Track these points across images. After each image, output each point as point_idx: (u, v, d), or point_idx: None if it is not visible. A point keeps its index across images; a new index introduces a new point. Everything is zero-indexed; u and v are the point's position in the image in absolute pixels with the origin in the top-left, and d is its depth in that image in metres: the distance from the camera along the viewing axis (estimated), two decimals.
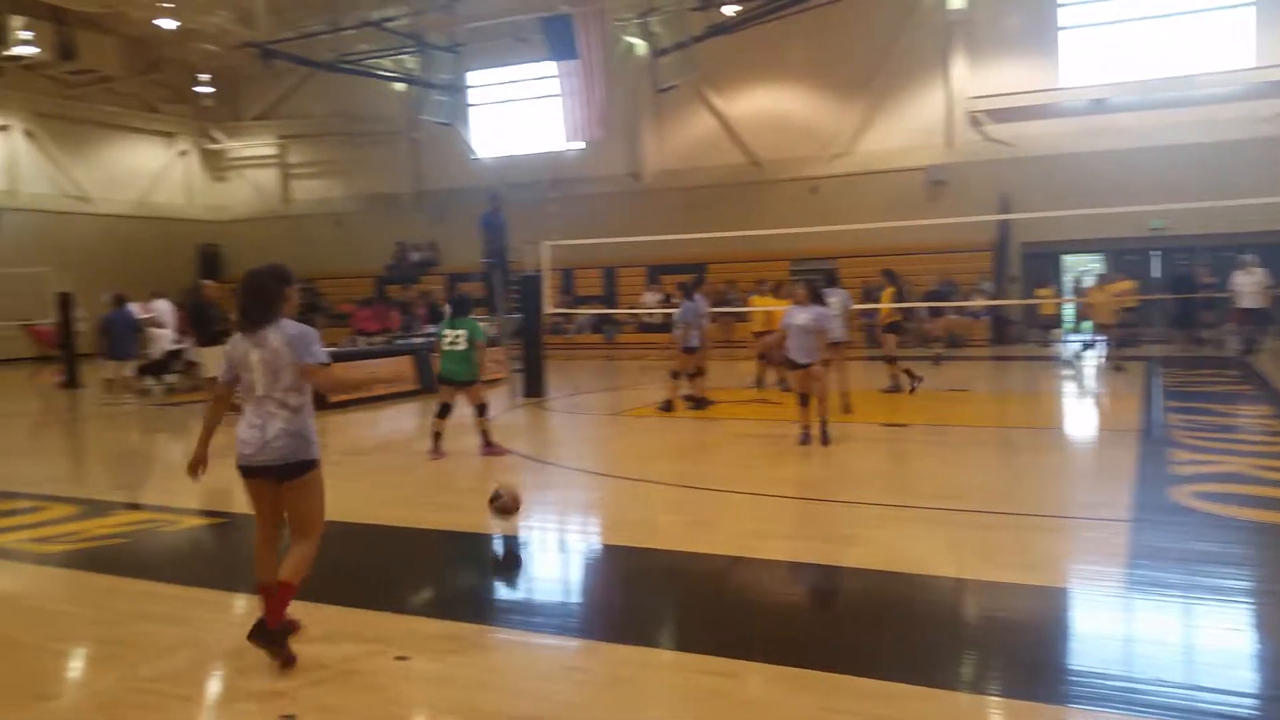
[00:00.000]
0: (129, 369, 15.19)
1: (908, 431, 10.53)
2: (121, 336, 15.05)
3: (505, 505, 6.28)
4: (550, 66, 23.53)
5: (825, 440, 9.27)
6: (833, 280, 13.31)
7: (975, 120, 23.66)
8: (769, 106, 25.65)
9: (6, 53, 23.47)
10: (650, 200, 26.22)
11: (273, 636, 4.08)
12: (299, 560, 4.21)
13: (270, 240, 31.30)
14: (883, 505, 6.96)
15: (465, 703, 3.74)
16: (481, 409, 9.49)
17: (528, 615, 4.97)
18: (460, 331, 9.32)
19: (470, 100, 28.46)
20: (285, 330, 4.19)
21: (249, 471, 4.19)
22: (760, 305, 14.68)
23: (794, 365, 9.42)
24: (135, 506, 7.76)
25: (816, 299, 9.67)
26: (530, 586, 5.68)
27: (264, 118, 32.06)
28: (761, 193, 25.18)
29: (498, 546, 6.50)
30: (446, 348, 9.37)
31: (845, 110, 24.89)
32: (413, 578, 5.79)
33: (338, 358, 14.70)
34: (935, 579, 5.27)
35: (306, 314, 21.77)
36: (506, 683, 4.00)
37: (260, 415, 4.14)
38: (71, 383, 18.05)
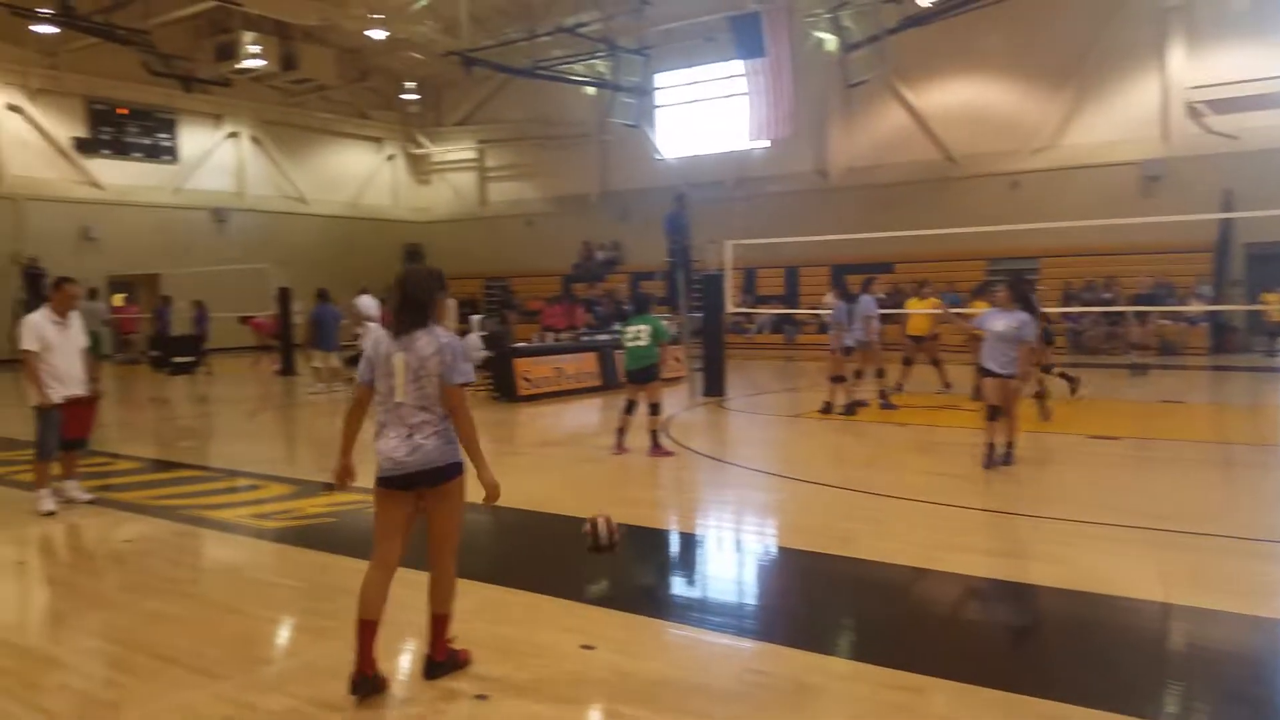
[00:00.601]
0: (334, 359, 16.28)
1: (1113, 445, 9.87)
2: (326, 328, 16.13)
3: (599, 542, 4.67)
4: (737, 65, 23.52)
5: (1009, 460, 8.50)
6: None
7: (1194, 111, 21.87)
8: (965, 99, 24.63)
9: (238, 66, 25.67)
10: (836, 198, 25.75)
11: (443, 668, 4.02)
12: (449, 586, 4.06)
13: (467, 240, 32.90)
14: (1081, 522, 6.55)
15: (647, 696, 3.79)
16: (654, 408, 9.53)
17: (706, 614, 4.99)
18: (641, 328, 9.43)
19: (657, 102, 28.83)
20: (438, 338, 3.93)
21: (391, 483, 3.96)
22: (912, 309, 14.21)
23: (987, 373, 8.59)
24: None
25: (1022, 303, 8.60)
26: (709, 585, 5.70)
27: (464, 123, 33.61)
28: (955, 189, 24.23)
29: (677, 544, 6.56)
30: (628, 344, 9.52)
31: (1048, 102, 23.58)
32: (596, 570, 5.92)
33: (529, 353, 15.28)
34: (1137, 602, 4.93)
35: (500, 310, 22.69)
36: (687, 679, 4.03)
37: (403, 423, 3.91)
38: (287, 371, 19.57)
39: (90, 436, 7.73)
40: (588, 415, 13.72)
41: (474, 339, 16.30)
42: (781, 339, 25.17)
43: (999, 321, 8.49)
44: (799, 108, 23.23)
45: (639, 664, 4.16)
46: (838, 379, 12.19)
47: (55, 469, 7.56)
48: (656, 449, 9.43)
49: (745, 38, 21.49)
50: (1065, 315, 21.00)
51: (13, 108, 24.62)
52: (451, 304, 18.07)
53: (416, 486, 3.94)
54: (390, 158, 34.28)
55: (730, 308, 15.44)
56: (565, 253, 30.57)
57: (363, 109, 32.93)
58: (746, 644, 4.49)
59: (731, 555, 6.35)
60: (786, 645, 4.42)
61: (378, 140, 33.85)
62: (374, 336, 4.04)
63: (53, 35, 23.58)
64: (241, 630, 4.78)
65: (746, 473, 8.96)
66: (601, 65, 25.26)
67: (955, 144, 24.73)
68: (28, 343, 7.14)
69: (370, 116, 33.21)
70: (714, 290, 14.56)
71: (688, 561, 6.29)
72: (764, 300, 25.83)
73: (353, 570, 5.69)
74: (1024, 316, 8.41)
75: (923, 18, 20.36)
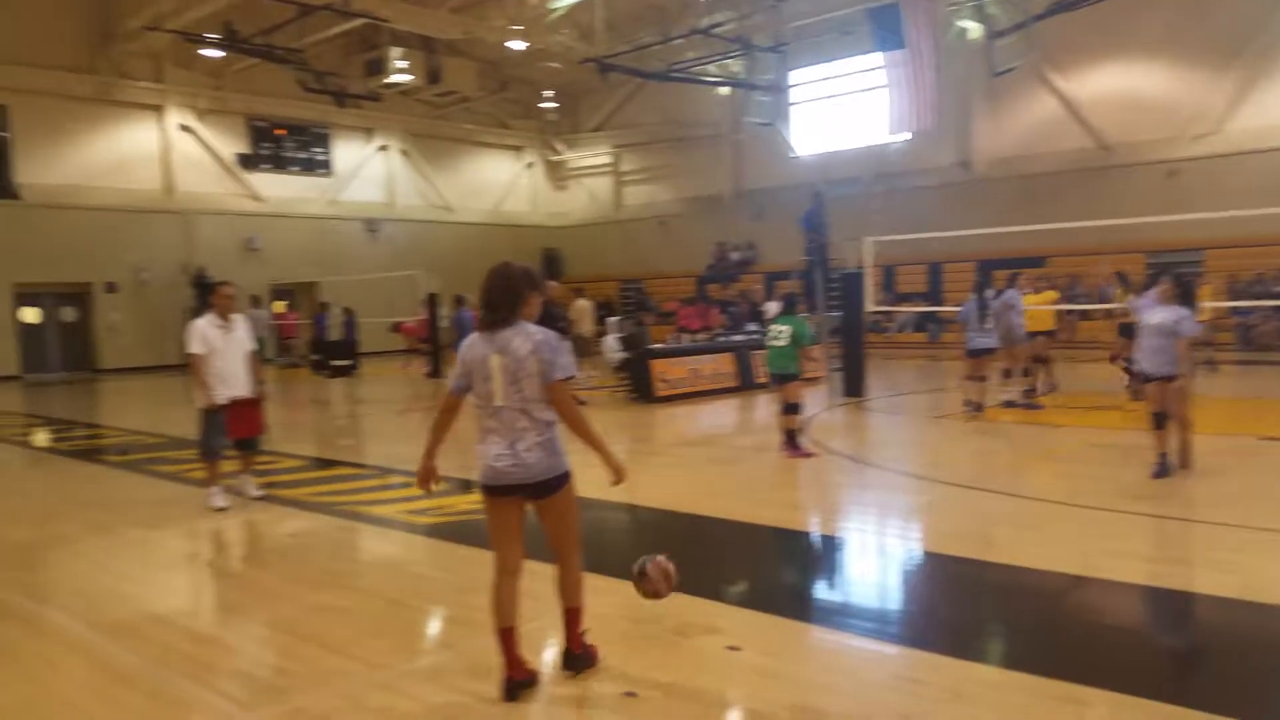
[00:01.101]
0: None
1: None
2: (467, 331, 16.61)
3: (653, 587, 4.11)
4: (875, 58, 23.00)
5: (1185, 465, 7.96)
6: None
7: None
8: (1119, 84, 23.35)
9: (386, 80, 26.82)
10: (981, 191, 24.84)
11: (580, 661, 4.05)
12: (575, 581, 4.02)
13: (603, 243, 33.38)
14: (1254, 529, 6.11)
15: (795, 700, 3.75)
16: (793, 408, 9.45)
17: (855, 618, 4.90)
18: (784, 328, 9.38)
19: (792, 99, 28.51)
20: (530, 335, 3.79)
21: (496, 491, 3.89)
22: (1031, 304, 13.55)
23: (1146, 378, 8.00)
24: None
25: (1183, 298, 7.93)
26: (854, 589, 5.59)
27: (600, 129, 34.10)
28: (1109, 179, 22.99)
29: (821, 546, 6.47)
30: (770, 343, 9.49)
31: (1211, 85, 22.09)
32: (741, 570, 5.91)
33: (665, 354, 15.38)
34: None
35: (635, 312, 22.91)
36: (836, 684, 3.96)
37: (505, 429, 3.79)
38: (435, 373, 20.31)
39: (260, 435, 8.13)
40: (724, 416, 13.69)
41: (610, 341, 16.54)
42: (924, 338, 24.48)
43: (1156, 314, 7.95)
44: (941, 98, 22.53)
45: (787, 667, 4.12)
46: (975, 378, 11.80)
47: (230, 466, 8.04)
48: (794, 449, 9.34)
49: (884, 29, 21.00)
50: (1233, 310, 19.67)
51: (184, 128, 26.42)
52: (587, 305, 18.41)
53: (519, 495, 3.90)
54: (529, 165, 35.10)
55: (869, 306, 15.12)
56: (699, 254, 30.61)
57: (503, 119, 33.84)
58: (896, 650, 4.38)
59: (876, 559, 6.22)
60: (938, 652, 4.29)
61: (517, 149, 34.72)
62: (467, 340, 3.93)
63: (218, 59, 25.27)
64: (399, 622, 4.98)
65: (888, 474, 8.75)
66: (735, 64, 25.16)
67: (1108, 131, 23.48)
68: (193, 346, 7.59)
69: (510, 126, 34.10)
70: (853, 288, 14.29)
71: (831, 565, 6.19)
72: (905, 298, 25.19)
73: None
74: (1183, 311, 7.81)
75: (1073, 2, 19.44)
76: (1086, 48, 23.29)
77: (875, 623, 4.84)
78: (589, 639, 4.14)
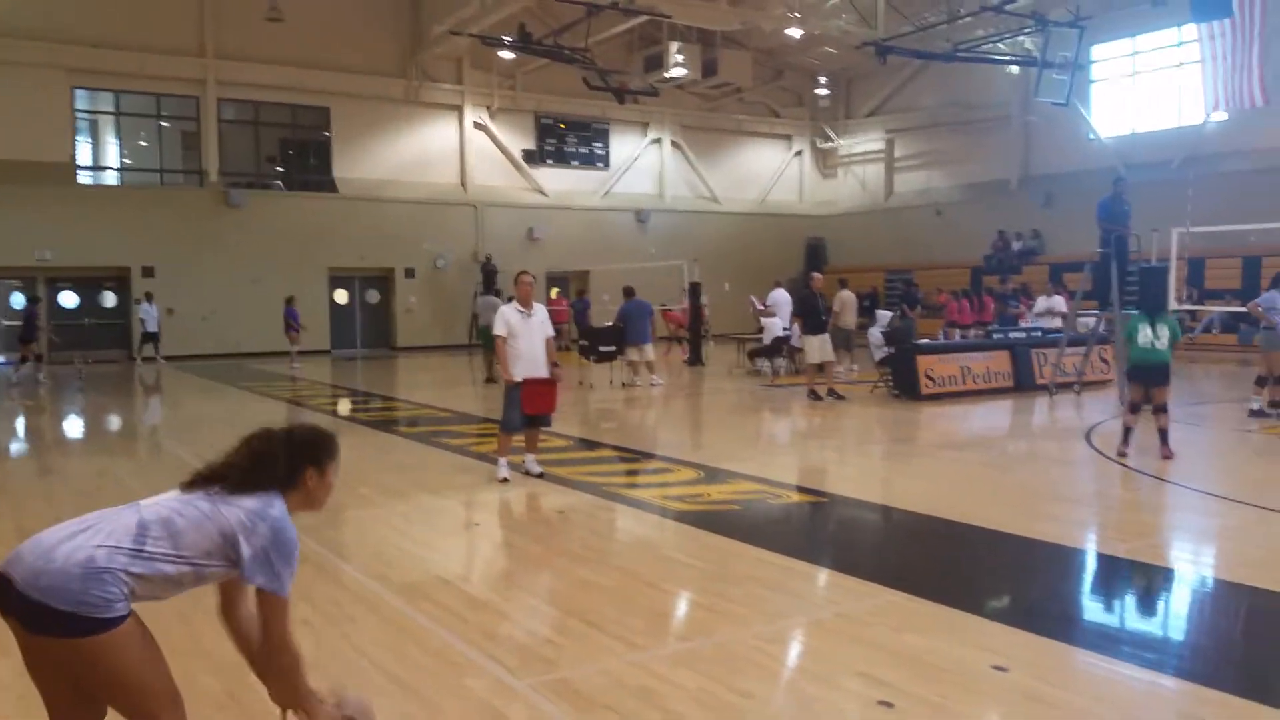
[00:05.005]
0: (650, 351, 16.80)
1: None
2: (637, 323, 16.68)
3: None
4: (1189, 31, 20.77)
5: None
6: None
7: None
8: None
9: (664, 75, 27.55)
10: None
11: None
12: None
13: (870, 232, 32.51)
14: None
15: None
16: (1163, 408, 9.07)
17: (1134, 647, 4.47)
18: (1163, 328, 9.00)
19: (1092, 76, 26.34)
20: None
21: None
22: None
23: None
24: (746, 477, 8.56)
25: None
26: (1135, 615, 5.12)
27: (874, 114, 33.17)
28: None
29: (1100, 566, 5.97)
30: (1144, 344, 9.01)
31: None
32: (1009, 585, 5.57)
33: (933, 350, 14.73)
34: None
35: (900, 304, 22.14)
36: (1109, 717, 3.64)
37: None
38: (695, 360, 20.67)
39: (552, 414, 8.59)
40: (996, 418, 12.95)
41: (875, 334, 16.06)
42: (1234, 339, 21.88)
43: None
44: (1271, 73, 19.99)
45: (1056, 693, 3.83)
46: (1262, 380, 11.02)
47: (517, 441, 8.59)
48: (1168, 448, 8.99)
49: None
50: None
51: (478, 125, 28.54)
52: (850, 297, 17.99)
53: None
54: (798, 154, 34.80)
55: (1172, 304, 13.72)
56: (976, 243, 29.02)
57: (774, 107, 33.76)
58: (1180, 685, 3.96)
59: (1161, 584, 5.64)
60: (1228, 691, 3.84)
61: (787, 137, 34.52)
62: None
63: (511, 60, 27.03)
64: (658, 604, 5.12)
65: (1182, 491, 7.91)
66: (1029, 42, 23.60)
67: None
68: (498, 329, 8.25)
69: (781, 115, 33.95)
70: (1153, 283, 12.97)
71: (1110, 587, 5.69)
72: (1213, 295, 22.62)
73: (755, 559, 5.89)
74: None
75: None
76: None
77: (1157, 653, 4.39)
78: None
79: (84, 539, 2.44)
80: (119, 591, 2.40)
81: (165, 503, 2.60)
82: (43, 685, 2.56)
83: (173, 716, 2.57)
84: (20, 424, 13.59)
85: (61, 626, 2.35)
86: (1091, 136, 26.55)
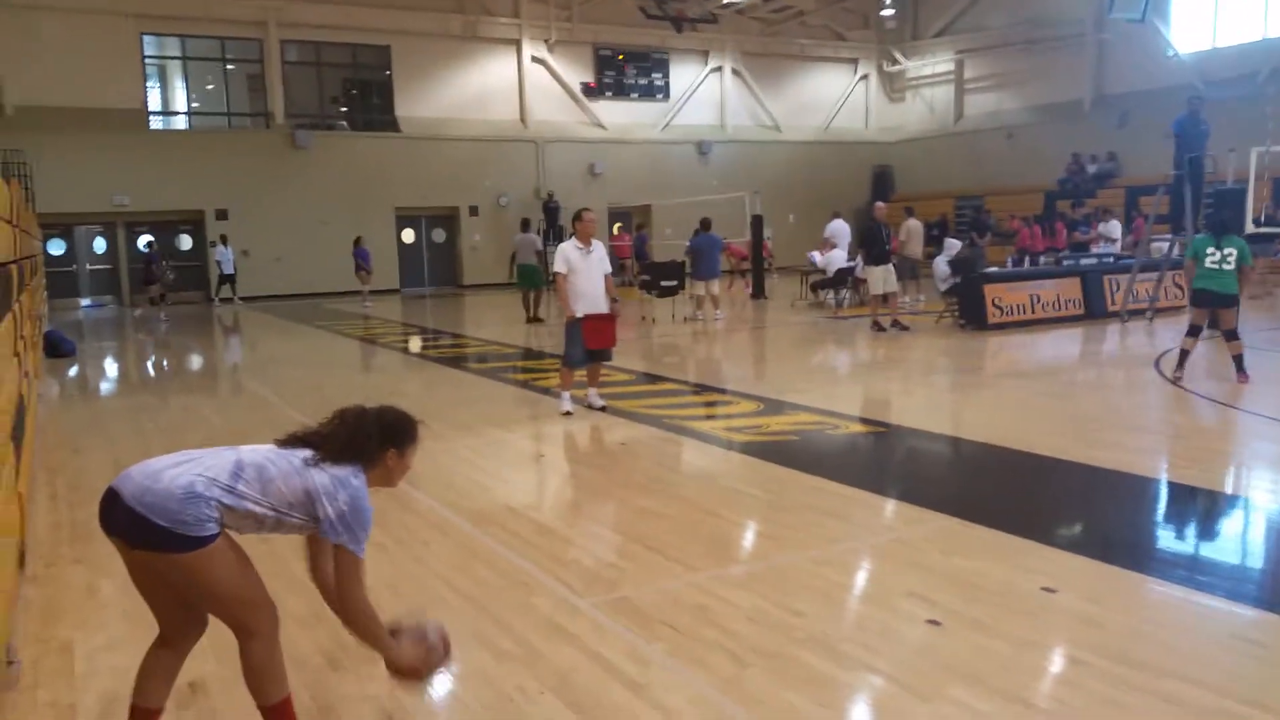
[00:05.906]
0: (716, 286, 16.67)
1: None
2: (707, 257, 16.53)
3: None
4: None
5: None
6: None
7: None
8: None
9: (723, 1, 27.00)
10: None
11: None
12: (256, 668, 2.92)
13: (939, 157, 31.72)
14: None
15: (1113, 648, 3.58)
16: (1233, 333, 8.99)
17: (1189, 570, 4.51)
18: (1231, 250, 8.87)
19: None
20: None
21: None
22: None
23: None
24: (806, 409, 8.66)
25: None
26: (1193, 540, 5.14)
27: (943, 34, 32.13)
28: None
29: (1158, 493, 5.97)
30: (1211, 265, 8.93)
31: None
32: (1066, 511, 5.62)
33: (1001, 278, 14.50)
34: None
35: (968, 232, 21.71)
36: (1161, 637, 3.72)
37: None
38: (759, 294, 20.62)
39: (612, 348, 8.74)
40: (1064, 346, 12.77)
41: (940, 263, 15.85)
42: None
43: None
44: None
45: (1107, 615, 3.92)
46: None
47: (580, 375, 8.80)
48: (1243, 375, 8.97)
49: None
50: None
51: (536, 59, 28.38)
52: (918, 226, 17.71)
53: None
54: (863, 78, 33.95)
55: (1249, 228, 13.27)
56: (1049, 166, 28.14)
57: (838, 30, 32.89)
58: (1236, 609, 4.01)
59: (1225, 510, 5.64)
60: None
61: (852, 61, 33.67)
62: None
63: None
64: (716, 531, 5.30)
65: (1255, 420, 7.79)
66: None
67: None
68: (558, 266, 8.42)
69: (845, 38, 33.09)
70: (1227, 205, 12.58)
71: (1172, 513, 5.71)
72: None
73: (811, 487, 6.03)
74: None
75: None
76: None
77: (1215, 577, 4.43)
78: None
79: (187, 468, 2.71)
80: (210, 514, 2.67)
81: (262, 451, 2.85)
82: (148, 596, 2.86)
83: (267, 623, 2.84)
84: (113, 365, 14.26)
85: (159, 540, 2.63)
86: (1170, 53, 25.42)
